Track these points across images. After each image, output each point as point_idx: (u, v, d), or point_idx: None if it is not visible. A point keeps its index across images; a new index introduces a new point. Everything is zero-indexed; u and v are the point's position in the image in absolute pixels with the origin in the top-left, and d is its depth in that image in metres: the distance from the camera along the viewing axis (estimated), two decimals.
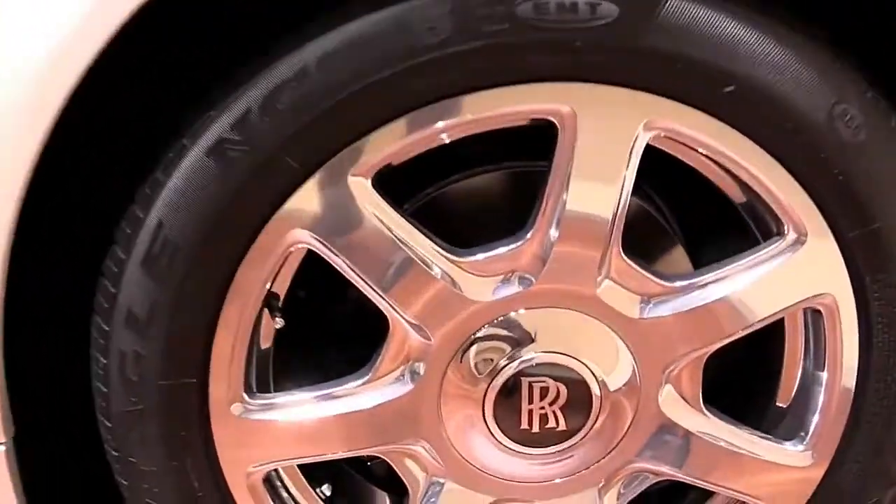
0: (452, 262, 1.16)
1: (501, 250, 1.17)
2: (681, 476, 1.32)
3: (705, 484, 1.33)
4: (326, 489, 1.42)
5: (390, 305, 1.17)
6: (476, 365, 1.22)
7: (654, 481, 1.35)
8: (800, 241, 1.18)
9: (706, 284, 1.21)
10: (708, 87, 1.06)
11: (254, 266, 1.13)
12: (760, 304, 1.21)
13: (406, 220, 1.14)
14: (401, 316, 1.18)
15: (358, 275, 1.15)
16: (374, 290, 1.16)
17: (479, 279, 1.18)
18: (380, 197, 1.12)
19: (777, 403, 1.37)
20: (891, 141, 1.13)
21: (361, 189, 1.11)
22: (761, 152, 1.12)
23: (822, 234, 1.17)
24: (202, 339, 1.14)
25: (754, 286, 1.20)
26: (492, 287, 1.18)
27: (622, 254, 1.18)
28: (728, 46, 1.05)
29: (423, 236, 1.15)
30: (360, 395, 1.23)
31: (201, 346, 1.14)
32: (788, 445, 1.32)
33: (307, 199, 1.10)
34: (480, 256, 1.17)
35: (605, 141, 1.10)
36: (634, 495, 1.36)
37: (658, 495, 1.43)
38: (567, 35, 1.02)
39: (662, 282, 1.21)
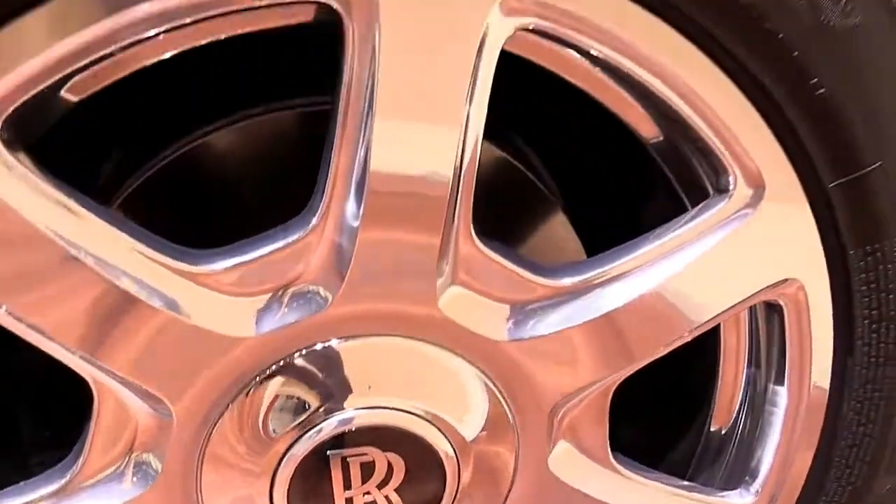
0: (182, 274, 0.63)
1: (263, 251, 0.64)
2: None
3: None
4: None
5: (82, 359, 0.63)
6: (248, 443, 0.69)
7: None
8: (752, 202, 0.70)
9: (609, 280, 0.72)
10: None
11: None
12: (692, 304, 0.74)
13: (88, 207, 0.60)
14: (108, 374, 0.64)
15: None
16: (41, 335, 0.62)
17: (232, 301, 0.65)
18: (26, 165, 0.58)
19: (711, 428, 0.90)
20: (894, 27, 0.66)
21: None
22: (692, 50, 0.63)
23: (787, 188, 0.70)
24: None
25: (682, 278, 0.72)
26: (254, 314, 0.65)
27: (475, 237, 0.68)
28: None
29: (127, 236, 0.61)
30: None
31: None
32: (732, 496, 0.86)
33: None
34: (227, 263, 0.64)
35: (429, 38, 0.58)
36: None
37: None
38: None
39: (542, 279, 0.71)
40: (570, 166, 0.88)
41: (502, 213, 0.82)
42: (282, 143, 0.77)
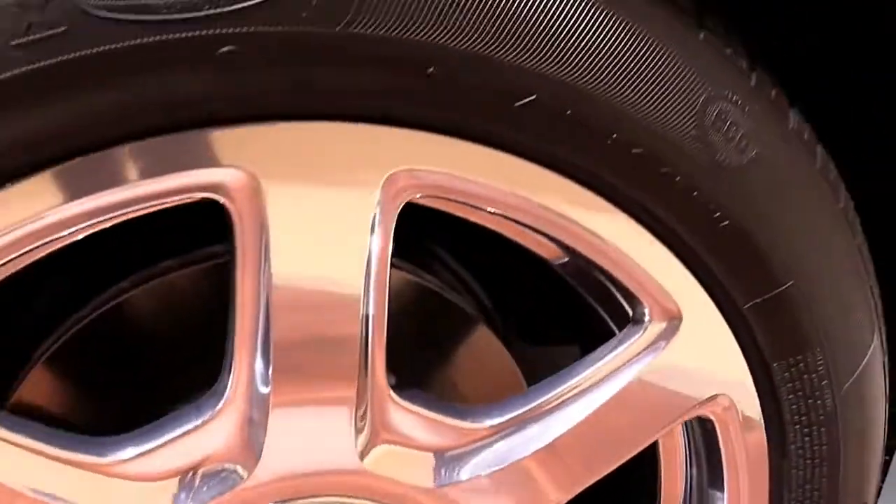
0: (90, 468, 0.61)
1: (173, 434, 0.62)
2: None
3: None
4: None
5: None
6: None
7: None
8: (668, 330, 0.69)
9: (537, 416, 0.71)
10: (490, 103, 0.56)
11: None
12: (623, 430, 0.73)
13: None
14: None
15: None
16: None
17: (144, 487, 0.62)
18: None
19: None
20: (791, 153, 0.66)
21: None
22: (588, 196, 0.62)
23: (704, 314, 0.69)
24: None
25: (611, 406, 0.71)
26: (169, 498, 0.63)
27: (392, 392, 0.66)
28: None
29: (28, 439, 0.59)
30: None
31: None
32: None
33: None
34: (135, 451, 0.61)
35: (320, 226, 0.57)
36: None
37: None
38: (193, 29, 0.48)
39: (465, 423, 0.70)
40: (510, 292, 0.87)
41: (439, 345, 0.80)
42: (198, 298, 0.75)
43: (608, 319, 0.74)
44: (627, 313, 0.72)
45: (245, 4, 0.48)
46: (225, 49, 0.49)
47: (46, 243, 0.53)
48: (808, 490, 0.80)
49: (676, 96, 0.59)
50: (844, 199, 0.71)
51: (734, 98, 0.61)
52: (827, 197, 0.69)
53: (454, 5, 0.52)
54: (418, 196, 0.58)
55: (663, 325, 0.69)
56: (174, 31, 0.48)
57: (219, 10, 0.48)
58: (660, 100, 0.58)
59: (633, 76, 0.57)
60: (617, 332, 0.72)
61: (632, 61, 0.57)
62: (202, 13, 0.47)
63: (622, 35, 0.56)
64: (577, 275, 0.72)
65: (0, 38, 0.45)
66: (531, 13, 0.54)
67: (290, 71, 0.51)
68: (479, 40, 0.53)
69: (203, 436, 0.62)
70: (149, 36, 0.47)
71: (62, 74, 0.47)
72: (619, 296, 0.71)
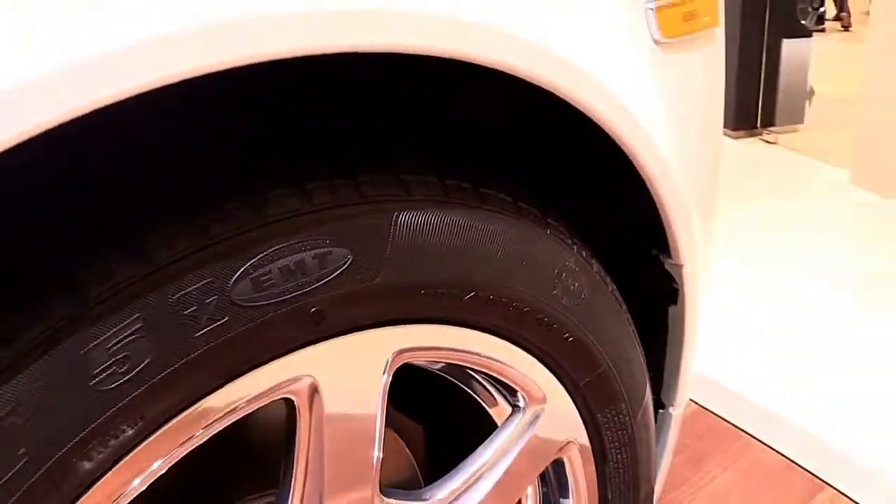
0: None
1: None
2: None
3: None
4: None
5: None
6: None
7: None
8: (539, 409, 1.05)
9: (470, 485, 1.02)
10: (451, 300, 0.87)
11: None
12: (522, 476, 1.07)
13: None
14: None
15: None
16: None
17: None
18: None
19: None
20: (596, 286, 1.04)
21: None
22: (497, 342, 0.96)
23: (558, 394, 1.05)
24: None
25: (516, 463, 1.05)
26: None
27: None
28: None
29: None
30: None
31: None
32: None
33: None
34: None
35: (354, 395, 0.84)
36: None
37: None
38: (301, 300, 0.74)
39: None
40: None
41: None
42: None
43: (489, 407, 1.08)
44: (510, 403, 1.06)
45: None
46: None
47: None
48: (620, 484, 1.20)
49: (545, 272, 0.94)
50: (617, 294, 1.11)
51: (570, 264, 0.98)
52: (613, 302, 1.08)
53: None
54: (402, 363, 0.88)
55: (536, 406, 1.04)
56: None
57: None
58: (537, 277, 0.93)
59: (522, 270, 0.91)
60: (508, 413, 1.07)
61: (520, 262, 0.91)
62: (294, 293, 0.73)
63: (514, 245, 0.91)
64: (464, 378, 1.06)
65: None
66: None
67: None
68: None
69: None
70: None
71: None
72: (503, 391, 1.06)
